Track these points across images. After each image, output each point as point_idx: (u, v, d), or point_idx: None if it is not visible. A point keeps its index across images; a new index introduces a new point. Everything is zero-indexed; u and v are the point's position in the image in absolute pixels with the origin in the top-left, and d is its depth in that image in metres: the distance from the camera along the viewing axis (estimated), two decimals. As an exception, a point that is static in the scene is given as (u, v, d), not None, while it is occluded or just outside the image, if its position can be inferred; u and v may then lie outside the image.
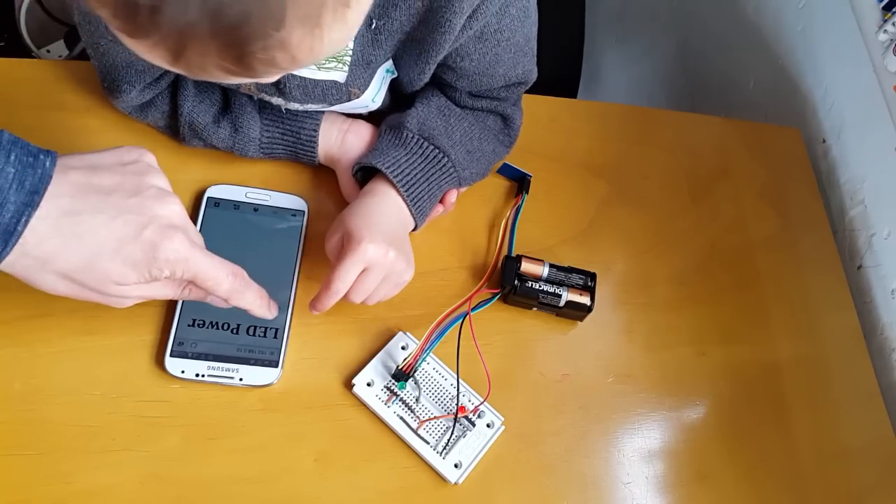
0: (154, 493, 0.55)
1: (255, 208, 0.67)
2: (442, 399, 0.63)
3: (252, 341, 0.61)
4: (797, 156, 0.92)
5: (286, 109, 0.67)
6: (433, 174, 0.66)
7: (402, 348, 0.65)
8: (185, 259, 0.48)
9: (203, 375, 0.59)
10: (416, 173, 0.65)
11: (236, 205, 0.67)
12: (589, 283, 0.70)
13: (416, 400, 0.62)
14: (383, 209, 0.63)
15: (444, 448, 0.61)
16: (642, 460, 0.67)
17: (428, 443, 0.61)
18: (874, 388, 0.77)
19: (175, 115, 0.65)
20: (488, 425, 0.63)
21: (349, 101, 0.65)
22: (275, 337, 0.62)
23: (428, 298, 0.68)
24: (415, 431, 0.61)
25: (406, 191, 0.64)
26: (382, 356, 0.64)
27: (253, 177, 0.69)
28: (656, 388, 0.70)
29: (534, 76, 0.71)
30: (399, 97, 0.71)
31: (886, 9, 0.82)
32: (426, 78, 0.66)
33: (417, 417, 0.62)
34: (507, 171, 0.76)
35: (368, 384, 0.62)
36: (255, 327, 0.62)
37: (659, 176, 0.84)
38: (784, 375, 0.75)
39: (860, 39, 0.86)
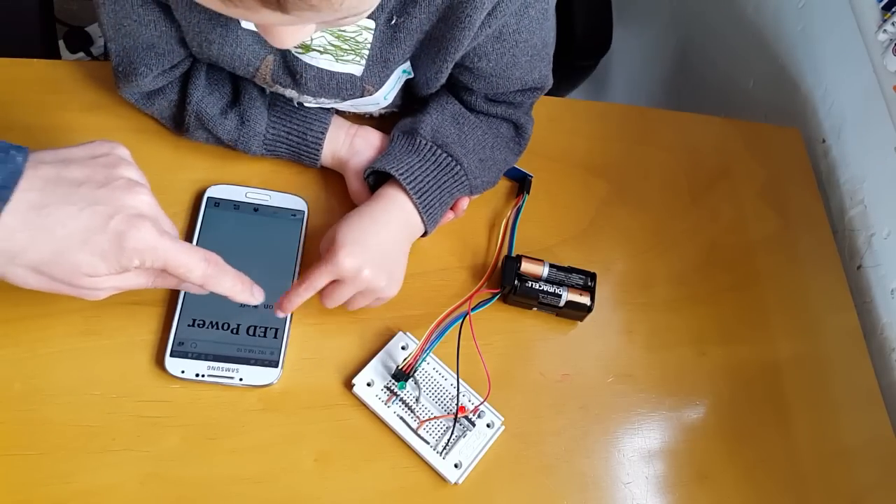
0: (154, 493, 0.55)
1: (255, 208, 0.67)
2: (442, 399, 0.63)
3: (252, 341, 0.61)
4: (797, 156, 0.92)
5: (298, 104, 0.67)
6: (445, 182, 0.66)
7: (402, 348, 0.65)
8: (154, 248, 0.48)
9: (203, 375, 0.59)
10: (429, 181, 0.65)
11: (236, 205, 0.67)
12: (589, 283, 0.70)
13: (416, 400, 0.63)
14: (386, 219, 0.63)
15: (444, 448, 0.61)
16: (642, 460, 0.67)
17: (428, 443, 0.61)
18: (874, 388, 0.77)
19: (182, 105, 0.65)
20: (488, 425, 0.63)
21: (362, 97, 0.65)
22: (275, 337, 0.62)
23: (428, 298, 0.68)
24: (415, 431, 0.61)
25: (418, 198, 0.64)
26: (382, 356, 0.64)
27: (253, 177, 0.69)
28: (656, 388, 0.70)
29: (549, 82, 0.71)
30: (411, 99, 0.71)
31: (886, 9, 0.82)
32: (442, 79, 0.66)
33: (417, 417, 0.62)
34: (508, 172, 0.76)
35: (368, 384, 0.62)
36: (256, 327, 0.62)
37: (659, 176, 0.84)
38: (784, 375, 0.75)
39: (860, 39, 0.86)
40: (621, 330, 0.73)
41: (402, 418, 0.61)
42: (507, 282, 0.68)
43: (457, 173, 0.67)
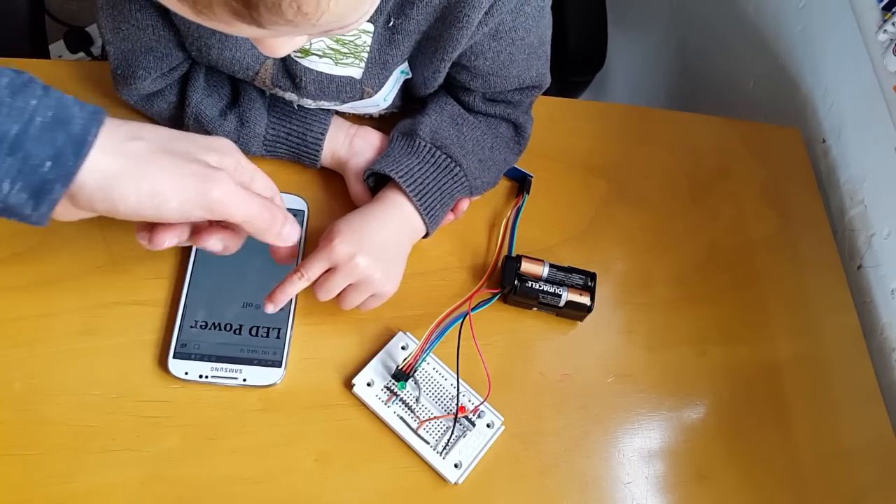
0: (154, 493, 0.55)
1: (256, 208, 0.67)
2: (442, 399, 0.63)
3: (255, 342, 0.61)
4: (797, 156, 0.92)
5: (298, 106, 0.67)
6: (445, 183, 0.66)
7: (402, 348, 0.65)
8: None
9: (207, 377, 0.59)
10: (429, 183, 0.65)
11: (236, 205, 0.67)
12: (589, 283, 0.70)
13: (416, 400, 0.63)
14: (386, 219, 0.63)
15: (444, 448, 0.61)
16: (642, 460, 0.67)
17: (428, 443, 0.61)
18: (874, 388, 0.77)
19: (181, 107, 0.65)
20: (488, 425, 0.63)
21: (361, 99, 0.65)
22: (277, 337, 0.62)
23: (428, 298, 0.68)
24: (415, 431, 0.61)
25: (419, 200, 0.64)
26: (382, 356, 0.64)
27: (253, 177, 0.69)
28: (656, 388, 0.70)
29: (547, 81, 0.71)
30: (410, 99, 0.71)
31: (886, 9, 0.82)
32: (440, 79, 0.66)
33: (417, 417, 0.62)
34: (508, 172, 0.76)
35: (368, 384, 0.62)
36: (258, 328, 0.62)
37: (659, 176, 0.84)
38: (784, 375, 0.75)
39: (860, 39, 0.86)
40: (621, 330, 0.73)
41: (402, 418, 0.61)
42: (507, 282, 0.68)
43: (456, 174, 0.67)
